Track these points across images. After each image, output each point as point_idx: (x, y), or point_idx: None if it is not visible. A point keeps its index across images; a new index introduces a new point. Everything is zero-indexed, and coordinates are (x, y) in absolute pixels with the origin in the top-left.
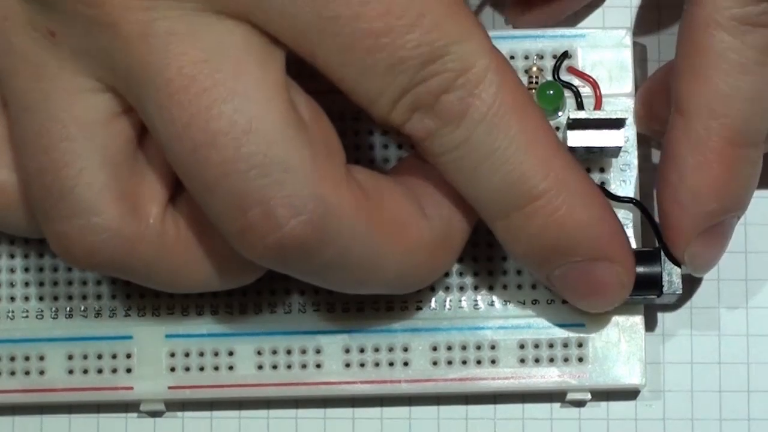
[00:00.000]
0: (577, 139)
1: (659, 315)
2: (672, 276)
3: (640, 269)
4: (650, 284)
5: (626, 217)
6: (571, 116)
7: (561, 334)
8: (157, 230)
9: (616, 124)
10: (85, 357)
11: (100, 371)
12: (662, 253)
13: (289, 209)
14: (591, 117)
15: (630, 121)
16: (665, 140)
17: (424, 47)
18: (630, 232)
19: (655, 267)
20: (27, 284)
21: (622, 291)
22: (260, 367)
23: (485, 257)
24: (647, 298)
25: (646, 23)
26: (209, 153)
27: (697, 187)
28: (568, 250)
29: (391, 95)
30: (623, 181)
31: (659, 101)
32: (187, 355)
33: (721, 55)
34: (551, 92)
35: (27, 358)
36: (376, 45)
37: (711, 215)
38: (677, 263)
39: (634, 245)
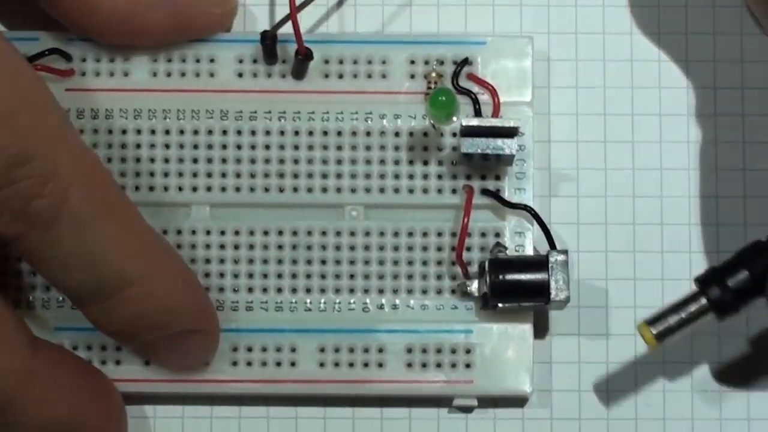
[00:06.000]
0: (471, 146)
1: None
2: (560, 283)
3: (529, 277)
4: (538, 292)
5: (519, 224)
6: (464, 123)
7: (449, 339)
8: None
9: (510, 132)
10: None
11: None
12: (550, 260)
13: None
14: (484, 124)
15: (524, 129)
16: None
17: (10, 149)
18: (524, 239)
19: (542, 274)
20: None
21: (210, 353)
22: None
23: (377, 261)
24: (536, 305)
25: (646, 23)
26: None
27: None
28: (161, 328)
29: None
30: (519, 189)
31: None
32: None
33: None
34: (443, 98)
35: None
36: None
37: None
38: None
39: (528, 252)
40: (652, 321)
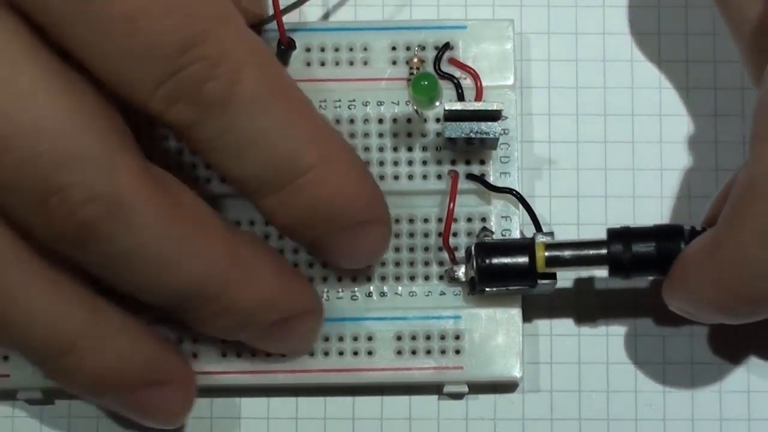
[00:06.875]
0: (455, 130)
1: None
2: None
3: (515, 260)
4: (525, 275)
5: (505, 208)
6: (447, 107)
7: (438, 325)
8: None
9: (493, 115)
10: None
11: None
12: (534, 243)
13: (84, 194)
14: (467, 108)
15: (508, 112)
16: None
17: (180, 33)
18: (510, 223)
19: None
20: None
21: (385, 245)
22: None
23: None
24: (522, 289)
25: (646, 23)
26: (4, 156)
27: None
28: (337, 218)
29: (149, 82)
30: (504, 173)
31: None
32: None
33: None
34: (425, 83)
35: None
36: (131, 30)
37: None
38: None
39: (514, 235)
40: (551, 245)
